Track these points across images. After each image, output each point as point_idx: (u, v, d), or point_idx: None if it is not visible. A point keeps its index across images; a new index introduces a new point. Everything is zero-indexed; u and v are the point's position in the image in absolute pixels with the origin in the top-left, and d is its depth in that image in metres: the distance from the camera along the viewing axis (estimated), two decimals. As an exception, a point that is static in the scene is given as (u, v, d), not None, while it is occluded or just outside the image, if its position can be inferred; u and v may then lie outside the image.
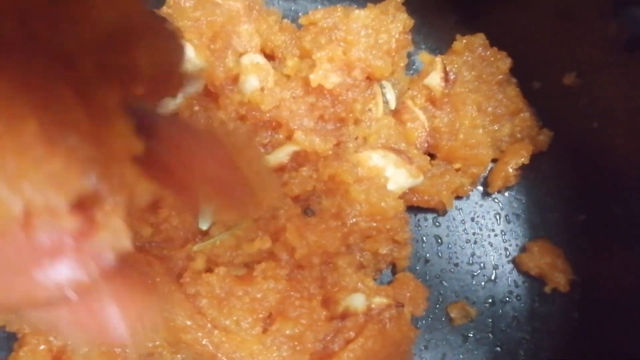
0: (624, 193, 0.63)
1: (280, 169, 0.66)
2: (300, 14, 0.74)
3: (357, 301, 0.63)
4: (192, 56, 0.60)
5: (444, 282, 0.71)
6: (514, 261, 0.71)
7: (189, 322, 0.60)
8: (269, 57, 0.68)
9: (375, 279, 0.67)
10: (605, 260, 0.66)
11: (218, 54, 0.62)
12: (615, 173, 0.64)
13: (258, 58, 0.63)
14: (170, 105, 0.63)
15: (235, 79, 0.62)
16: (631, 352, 0.59)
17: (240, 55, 0.63)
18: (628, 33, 0.55)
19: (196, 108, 0.64)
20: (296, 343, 0.60)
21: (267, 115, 0.64)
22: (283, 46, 0.67)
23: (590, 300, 0.67)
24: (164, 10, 0.64)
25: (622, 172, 0.63)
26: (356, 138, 0.69)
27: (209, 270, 0.62)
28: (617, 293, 0.64)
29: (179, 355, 0.66)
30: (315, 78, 0.63)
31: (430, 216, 0.73)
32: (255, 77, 0.62)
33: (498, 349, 0.69)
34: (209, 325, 0.60)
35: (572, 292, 0.68)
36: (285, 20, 0.72)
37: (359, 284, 0.63)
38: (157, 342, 0.65)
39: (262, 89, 0.62)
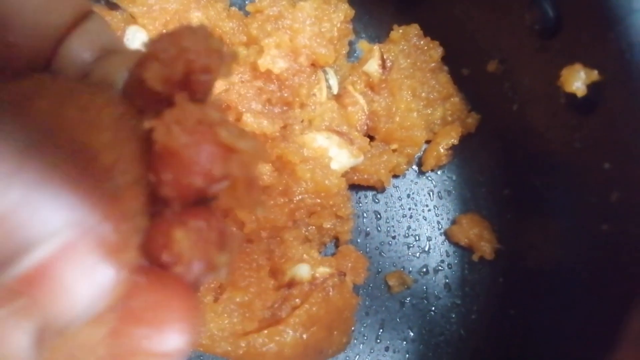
0: (543, 168, 0.69)
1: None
2: (247, 1, 0.77)
3: (302, 271, 0.67)
4: (146, 41, 0.63)
5: (382, 253, 0.76)
6: (445, 233, 0.77)
7: (144, 293, 0.63)
8: (218, 43, 0.71)
9: (319, 252, 0.72)
10: (528, 230, 0.72)
11: (170, 39, 0.65)
12: (535, 150, 0.70)
13: (208, 43, 0.66)
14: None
15: (186, 63, 0.65)
16: (548, 310, 0.66)
17: (191, 40, 0.66)
18: (540, 23, 0.62)
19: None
20: (246, 310, 0.64)
21: (217, 98, 0.68)
22: (231, 32, 0.70)
23: (514, 266, 0.73)
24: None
25: (540, 149, 0.69)
26: (302, 121, 0.73)
27: (163, 245, 0.65)
28: (537, 259, 0.70)
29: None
30: (263, 63, 0.66)
31: (370, 193, 0.78)
32: (206, 61, 0.65)
33: (432, 312, 0.75)
34: (163, 295, 0.63)
35: (498, 260, 0.74)
36: (232, 8, 0.74)
37: (304, 255, 0.68)
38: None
39: (212, 73, 0.65)
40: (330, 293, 0.67)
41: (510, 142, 0.73)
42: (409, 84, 0.75)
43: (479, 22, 0.72)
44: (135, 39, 0.63)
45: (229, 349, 0.63)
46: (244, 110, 0.68)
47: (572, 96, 0.57)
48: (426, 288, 0.75)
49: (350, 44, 0.78)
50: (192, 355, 0.72)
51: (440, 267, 0.76)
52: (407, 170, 0.78)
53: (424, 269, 0.76)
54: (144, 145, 0.26)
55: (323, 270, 0.68)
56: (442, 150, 0.76)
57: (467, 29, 0.74)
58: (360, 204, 0.77)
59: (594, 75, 0.55)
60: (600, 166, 0.57)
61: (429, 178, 0.79)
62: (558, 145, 0.64)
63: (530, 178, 0.71)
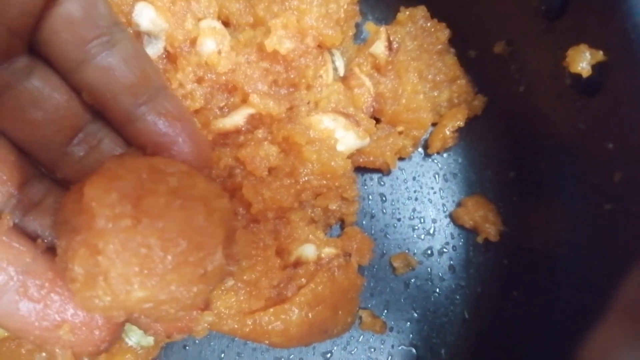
0: (548, 150, 0.69)
1: (237, 131, 0.70)
2: (254, -17, 0.77)
3: (308, 251, 0.67)
4: (154, 16, 0.63)
5: (387, 235, 0.77)
6: (450, 215, 0.77)
7: (151, 271, 0.63)
8: (225, 23, 0.71)
9: (325, 233, 0.72)
10: (532, 212, 0.73)
11: (178, 17, 0.65)
12: (541, 133, 0.70)
13: (215, 24, 0.66)
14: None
15: (193, 41, 0.65)
16: (551, 292, 0.66)
17: (199, 20, 0.66)
18: (547, 3, 0.61)
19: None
20: (252, 289, 0.65)
21: (223, 78, 0.68)
22: (237, 13, 0.70)
23: (518, 248, 0.74)
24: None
25: (546, 132, 0.69)
26: (308, 102, 0.73)
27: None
28: (541, 241, 0.71)
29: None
30: (270, 43, 0.66)
31: (375, 176, 0.78)
32: (213, 40, 0.65)
33: (436, 294, 0.75)
34: (171, 273, 0.64)
35: (502, 242, 0.75)
36: (239, -11, 0.74)
37: (310, 236, 0.68)
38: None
39: (219, 52, 0.65)
40: (336, 273, 0.68)
41: (516, 125, 0.73)
42: (415, 66, 0.75)
43: (486, 3, 0.72)
44: (143, 15, 0.63)
45: (236, 326, 0.64)
46: (250, 91, 0.68)
47: (577, 77, 0.57)
48: (431, 270, 0.76)
49: (357, 25, 0.78)
50: (199, 333, 0.73)
51: (445, 249, 0.77)
52: (413, 152, 0.78)
53: (429, 251, 0.76)
54: None
55: (328, 251, 0.68)
56: (448, 133, 0.76)
57: (474, 11, 0.74)
58: (366, 186, 0.78)
59: (599, 55, 0.55)
60: (604, 147, 0.57)
61: (435, 160, 0.79)
62: (563, 127, 0.65)
63: (535, 160, 0.71)
